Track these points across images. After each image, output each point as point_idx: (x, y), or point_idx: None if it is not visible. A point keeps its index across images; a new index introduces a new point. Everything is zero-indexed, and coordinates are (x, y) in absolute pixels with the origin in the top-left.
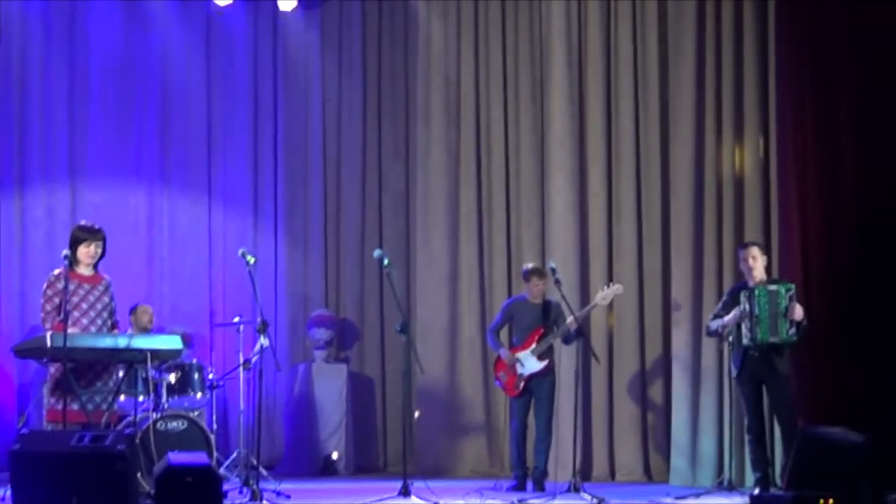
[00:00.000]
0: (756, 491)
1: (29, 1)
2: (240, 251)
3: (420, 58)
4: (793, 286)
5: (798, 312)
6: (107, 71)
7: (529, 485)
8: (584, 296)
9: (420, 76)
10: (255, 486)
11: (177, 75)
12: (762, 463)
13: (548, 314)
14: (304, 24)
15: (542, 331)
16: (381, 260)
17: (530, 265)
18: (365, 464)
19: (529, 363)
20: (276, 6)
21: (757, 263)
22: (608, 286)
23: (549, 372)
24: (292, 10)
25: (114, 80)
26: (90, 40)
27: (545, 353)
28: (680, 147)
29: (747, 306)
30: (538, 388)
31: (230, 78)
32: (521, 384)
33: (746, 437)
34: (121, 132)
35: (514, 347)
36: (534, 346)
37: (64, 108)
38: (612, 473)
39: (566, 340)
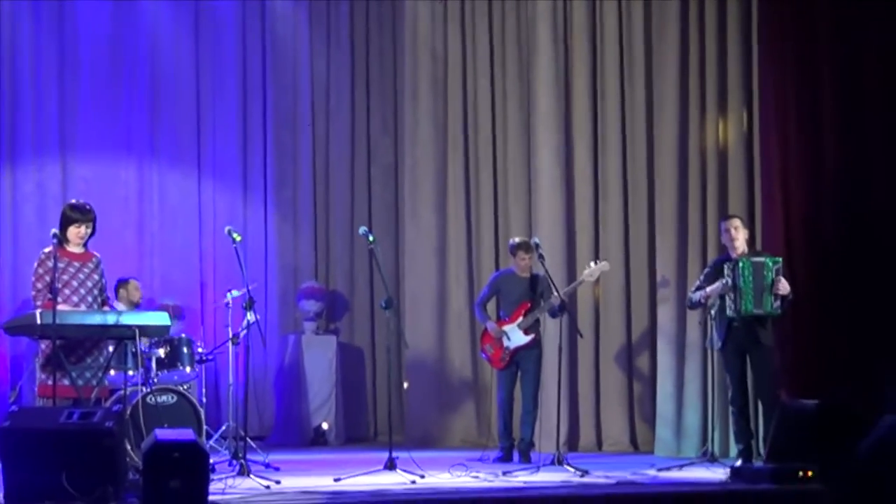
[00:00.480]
0: (738, 462)
1: None
2: (226, 229)
3: (407, 33)
4: (780, 260)
5: (783, 287)
6: (97, 46)
7: (516, 456)
8: (571, 270)
9: (407, 51)
10: (243, 461)
11: (166, 50)
12: (745, 435)
13: (535, 288)
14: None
15: (528, 305)
16: (365, 237)
17: (517, 239)
18: (355, 434)
19: (516, 336)
20: None
21: (739, 235)
22: (595, 263)
23: (535, 345)
24: None
25: (104, 56)
26: (79, 16)
27: (531, 327)
28: (664, 123)
29: (731, 279)
30: (524, 361)
31: (219, 53)
32: (507, 357)
33: (730, 409)
34: (111, 107)
35: (500, 321)
36: (520, 319)
37: (54, 84)
38: (599, 443)
39: (552, 314)
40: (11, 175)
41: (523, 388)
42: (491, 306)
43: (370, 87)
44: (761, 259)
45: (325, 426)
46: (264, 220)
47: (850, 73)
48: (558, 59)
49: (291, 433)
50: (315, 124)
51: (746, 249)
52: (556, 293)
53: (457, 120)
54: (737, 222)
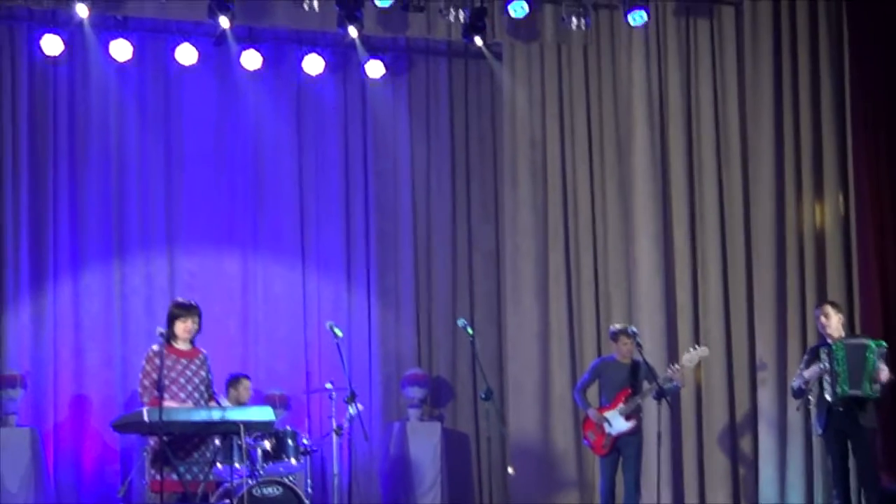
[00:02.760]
0: None
1: (125, 73)
2: (328, 324)
3: (506, 119)
4: (884, 344)
5: (884, 374)
6: (201, 138)
7: None
8: (672, 354)
9: (506, 137)
10: None
11: (269, 143)
12: None
13: (636, 374)
14: (392, 91)
15: (629, 391)
16: (465, 329)
17: (618, 326)
18: None
19: (617, 423)
20: (364, 73)
21: (831, 322)
22: (694, 348)
23: (636, 431)
24: (380, 77)
25: (208, 148)
26: (184, 110)
27: (633, 413)
28: (761, 206)
29: (827, 363)
30: (626, 447)
31: (321, 144)
32: (609, 444)
33: (833, 493)
34: (215, 199)
35: (602, 407)
36: (621, 405)
37: (161, 177)
38: None
39: (657, 396)
40: (120, 269)
41: (625, 473)
42: (592, 393)
43: (470, 174)
44: (863, 341)
45: None
46: (368, 308)
47: None
48: (655, 144)
49: None
50: (416, 211)
51: (843, 333)
52: (657, 380)
53: (556, 205)
54: (828, 309)
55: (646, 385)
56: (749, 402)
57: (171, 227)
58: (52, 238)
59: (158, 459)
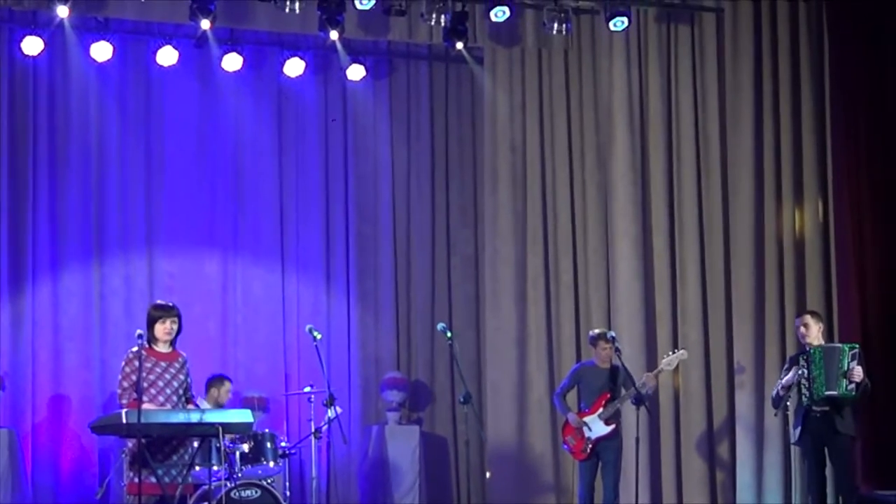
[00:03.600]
0: None
1: (105, 74)
2: (307, 327)
3: (486, 125)
4: (856, 346)
5: (857, 374)
6: (181, 142)
7: None
8: (650, 358)
9: (486, 143)
10: None
11: (249, 145)
12: None
13: (615, 379)
14: (373, 94)
15: (609, 395)
16: (444, 333)
17: (597, 330)
18: None
19: (596, 427)
20: (344, 76)
21: (809, 331)
22: (673, 352)
23: (615, 436)
24: (361, 80)
25: (189, 150)
26: (165, 112)
27: (612, 418)
28: (740, 212)
29: (805, 368)
30: (605, 452)
31: (301, 146)
32: (589, 448)
33: (809, 500)
34: (195, 201)
35: (581, 412)
36: (601, 410)
37: (141, 180)
38: None
39: (634, 402)
40: (99, 270)
41: (604, 478)
42: (571, 398)
43: (450, 178)
44: (836, 344)
45: None
46: (347, 311)
47: None
48: (635, 149)
49: None
50: (396, 215)
51: (822, 341)
52: (634, 385)
53: (536, 210)
54: (807, 318)
55: (623, 391)
56: (727, 408)
57: (150, 228)
58: (31, 239)
59: (136, 461)
